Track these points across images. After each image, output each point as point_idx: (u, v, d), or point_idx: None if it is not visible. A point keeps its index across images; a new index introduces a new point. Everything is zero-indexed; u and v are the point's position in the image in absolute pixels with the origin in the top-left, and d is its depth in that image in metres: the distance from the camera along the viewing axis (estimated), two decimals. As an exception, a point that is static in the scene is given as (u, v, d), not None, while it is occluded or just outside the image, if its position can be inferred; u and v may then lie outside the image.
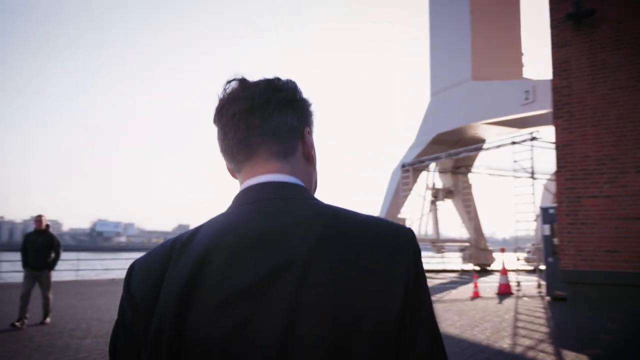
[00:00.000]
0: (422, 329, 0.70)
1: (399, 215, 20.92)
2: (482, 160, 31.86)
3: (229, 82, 0.85)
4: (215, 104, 0.85)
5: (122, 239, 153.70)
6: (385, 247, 0.72)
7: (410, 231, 0.77)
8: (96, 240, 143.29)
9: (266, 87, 0.84)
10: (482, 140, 20.61)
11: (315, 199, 0.80)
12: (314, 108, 0.91)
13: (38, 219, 8.27)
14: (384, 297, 0.68)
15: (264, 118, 0.81)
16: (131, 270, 0.77)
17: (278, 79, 0.87)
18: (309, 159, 0.88)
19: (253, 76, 0.87)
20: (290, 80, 0.88)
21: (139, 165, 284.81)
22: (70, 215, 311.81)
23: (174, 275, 0.70)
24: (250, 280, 0.67)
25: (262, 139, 0.82)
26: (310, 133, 0.89)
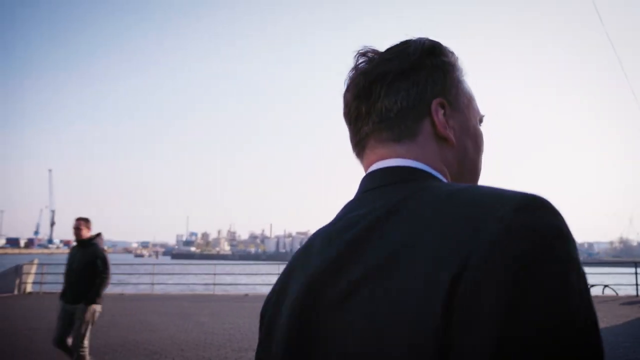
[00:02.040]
0: None
1: None
2: None
3: (355, 57, 0.74)
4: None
5: None
6: (462, 227, 0.51)
7: (531, 200, 0.51)
8: None
9: (378, 61, 0.72)
10: None
11: (441, 182, 0.64)
12: (459, 69, 0.74)
13: (77, 224, 5.35)
14: (420, 303, 0.49)
15: (371, 103, 0.71)
16: None
17: (398, 45, 0.73)
18: (445, 138, 0.69)
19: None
20: (414, 41, 0.73)
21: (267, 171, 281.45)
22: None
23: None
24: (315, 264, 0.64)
25: (371, 127, 0.71)
26: (444, 105, 0.70)
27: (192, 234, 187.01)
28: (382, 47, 0.75)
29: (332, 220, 0.69)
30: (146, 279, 18.70)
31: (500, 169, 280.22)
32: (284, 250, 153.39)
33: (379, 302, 0.53)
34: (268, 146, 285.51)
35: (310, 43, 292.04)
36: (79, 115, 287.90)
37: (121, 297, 15.35)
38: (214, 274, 17.74)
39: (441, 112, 0.69)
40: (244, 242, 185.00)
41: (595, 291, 17.48)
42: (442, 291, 0.48)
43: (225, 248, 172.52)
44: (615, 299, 15.27)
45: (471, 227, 0.51)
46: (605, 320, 10.14)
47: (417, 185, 0.62)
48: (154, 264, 20.19)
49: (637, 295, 16.06)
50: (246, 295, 16.47)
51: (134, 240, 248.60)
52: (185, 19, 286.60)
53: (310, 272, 0.63)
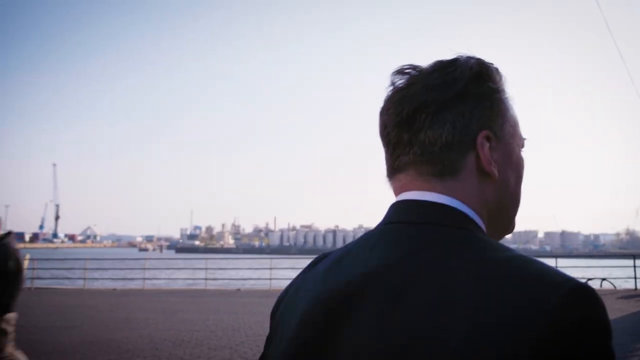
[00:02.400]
0: None
1: None
2: None
3: (393, 74, 0.71)
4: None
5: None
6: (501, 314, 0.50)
7: (576, 290, 0.50)
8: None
9: (421, 86, 0.67)
10: None
11: (476, 235, 0.62)
12: (505, 94, 0.71)
13: None
14: None
15: (413, 133, 0.67)
16: None
17: (443, 66, 0.68)
18: (489, 174, 0.67)
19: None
20: (461, 63, 0.68)
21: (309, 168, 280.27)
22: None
23: None
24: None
25: (411, 158, 0.68)
26: (490, 138, 0.67)
27: (197, 227, 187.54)
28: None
29: (357, 245, 0.68)
30: (138, 274, 18.63)
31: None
32: (287, 244, 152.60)
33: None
34: (272, 139, 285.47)
35: (306, 43, 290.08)
36: (83, 113, 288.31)
37: (113, 293, 15.26)
38: (206, 269, 17.54)
39: (487, 145, 0.67)
40: (248, 235, 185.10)
41: (592, 284, 17.34)
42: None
43: (230, 242, 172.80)
44: (613, 292, 15.04)
45: (527, 304, 0.50)
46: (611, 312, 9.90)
47: (455, 236, 0.61)
48: (146, 259, 20.06)
49: (636, 288, 15.70)
50: (238, 290, 16.35)
51: (138, 234, 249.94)
52: (182, 19, 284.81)
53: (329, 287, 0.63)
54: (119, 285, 18.24)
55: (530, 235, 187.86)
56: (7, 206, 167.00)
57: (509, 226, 0.74)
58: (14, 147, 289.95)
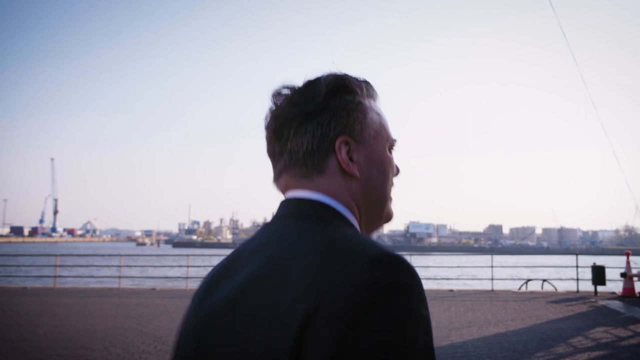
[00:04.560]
0: None
1: None
2: None
3: (272, 95, 0.84)
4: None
5: (434, 240, 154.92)
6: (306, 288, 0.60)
7: (380, 258, 0.60)
8: (410, 241, 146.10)
9: (288, 103, 0.81)
10: None
11: (332, 222, 0.73)
12: (364, 103, 0.82)
13: None
14: None
15: (282, 144, 0.81)
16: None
17: (305, 86, 0.82)
18: (350, 174, 0.78)
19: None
20: (321, 82, 0.81)
21: (448, 166, 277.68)
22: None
23: None
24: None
25: (283, 165, 0.81)
26: (349, 142, 0.79)
27: (195, 222, 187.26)
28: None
29: (256, 238, 0.78)
30: (114, 271, 18.20)
31: (511, 166, 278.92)
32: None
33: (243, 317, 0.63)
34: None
35: (308, 41, 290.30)
36: (82, 107, 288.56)
37: (83, 292, 14.76)
38: (187, 266, 16.46)
39: (345, 149, 0.78)
40: (246, 230, 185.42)
41: (533, 286, 16.44)
42: (291, 332, 0.57)
43: (228, 236, 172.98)
44: (547, 295, 13.27)
45: (327, 278, 0.59)
46: (519, 320, 9.37)
47: (313, 227, 0.71)
48: (123, 255, 19.65)
49: (577, 290, 13.83)
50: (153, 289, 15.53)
51: (138, 229, 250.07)
52: (181, 16, 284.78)
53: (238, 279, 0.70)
54: (93, 283, 17.96)
55: (527, 231, 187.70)
56: (5, 200, 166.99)
57: (382, 217, 0.84)
58: (13, 140, 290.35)
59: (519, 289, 15.53)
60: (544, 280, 15.87)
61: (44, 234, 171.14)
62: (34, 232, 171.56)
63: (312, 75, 0.83)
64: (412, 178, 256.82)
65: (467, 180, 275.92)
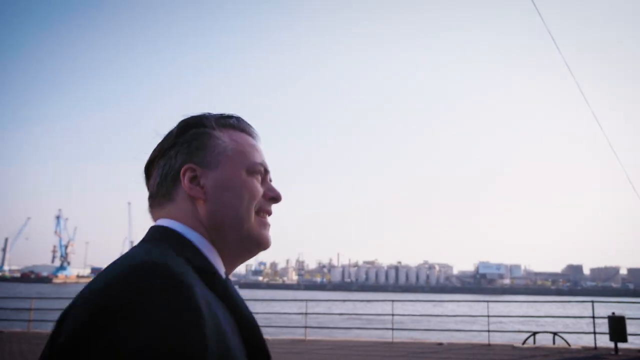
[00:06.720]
0: None
1: None
2: None
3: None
4: None
5: (506, 281, 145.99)
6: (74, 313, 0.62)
7: (137, 267, 0.64)
8: (480, 283, 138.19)
9: (158, 143, 0.91)
10: None
11: (147, 244, 0.76)
12: (214, 134, 0.89)
13: None
14: None
15: (147, 178, 0.92)
16: None
17: (173, 128, 0.91)
18: (196, 198, 0.84)
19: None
20: (179, 122, 0.91)
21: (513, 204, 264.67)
22: (459, 258, 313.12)
23: None
24: None
25: (149, 195, 0.90)
26: (194, 169, 0.85)
27: (261, 263, 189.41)
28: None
29: None
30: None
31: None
32: (349, 280, 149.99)
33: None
34: (336, 176, 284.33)
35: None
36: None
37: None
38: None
39: (189, 175, 0.85)
40: (311, 271, 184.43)
41: (541, 339, 12.49)
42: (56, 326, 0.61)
43: (293, 277, 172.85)
44: (559, 352, 10.51)
45: (89, 285, 0.64)
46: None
47: (129, 252, 0.73)
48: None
49: (595, 347, 10.82)
50: None
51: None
52: (203, 17, 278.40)
53: None
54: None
55: (611, 272, 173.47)
56: (87, 242, 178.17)
57: (242, 240, 0.86)
58: (95, 185, 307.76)
59: (523, 343, 12.01)
60: (555, 334, 12.29)
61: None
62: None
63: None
64: (482, 214, 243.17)
65: (543, 217, 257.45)
